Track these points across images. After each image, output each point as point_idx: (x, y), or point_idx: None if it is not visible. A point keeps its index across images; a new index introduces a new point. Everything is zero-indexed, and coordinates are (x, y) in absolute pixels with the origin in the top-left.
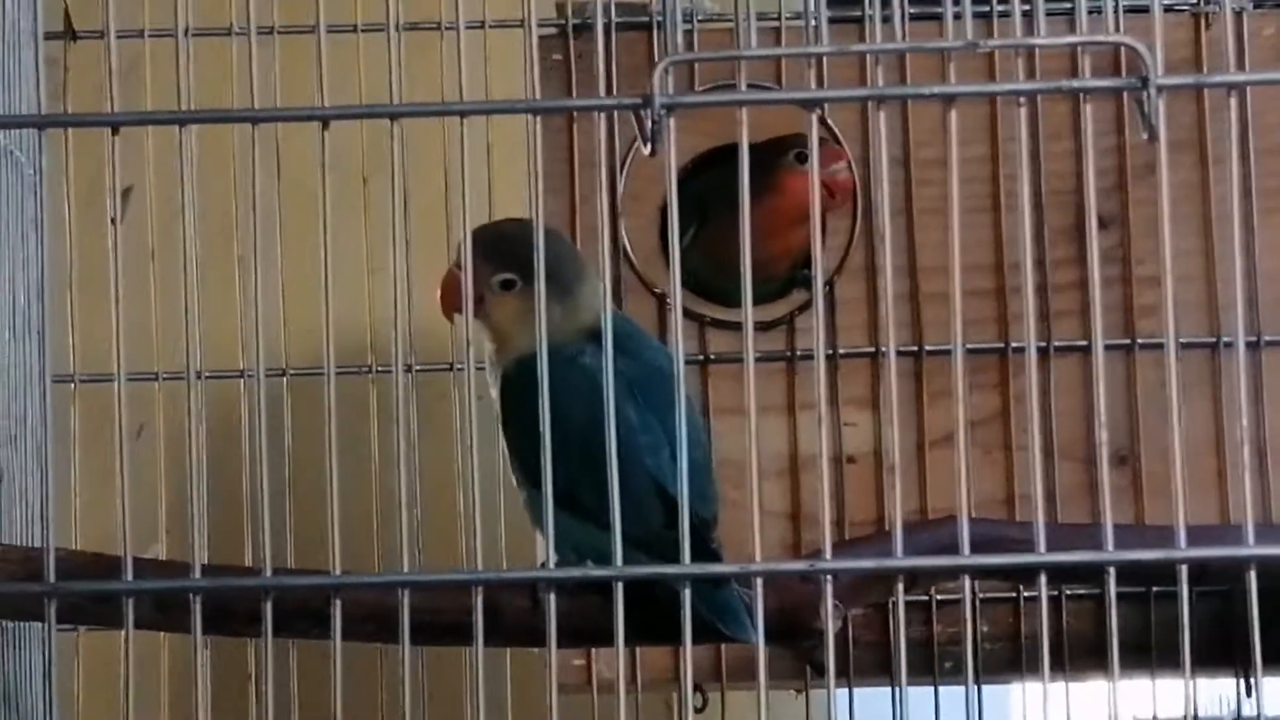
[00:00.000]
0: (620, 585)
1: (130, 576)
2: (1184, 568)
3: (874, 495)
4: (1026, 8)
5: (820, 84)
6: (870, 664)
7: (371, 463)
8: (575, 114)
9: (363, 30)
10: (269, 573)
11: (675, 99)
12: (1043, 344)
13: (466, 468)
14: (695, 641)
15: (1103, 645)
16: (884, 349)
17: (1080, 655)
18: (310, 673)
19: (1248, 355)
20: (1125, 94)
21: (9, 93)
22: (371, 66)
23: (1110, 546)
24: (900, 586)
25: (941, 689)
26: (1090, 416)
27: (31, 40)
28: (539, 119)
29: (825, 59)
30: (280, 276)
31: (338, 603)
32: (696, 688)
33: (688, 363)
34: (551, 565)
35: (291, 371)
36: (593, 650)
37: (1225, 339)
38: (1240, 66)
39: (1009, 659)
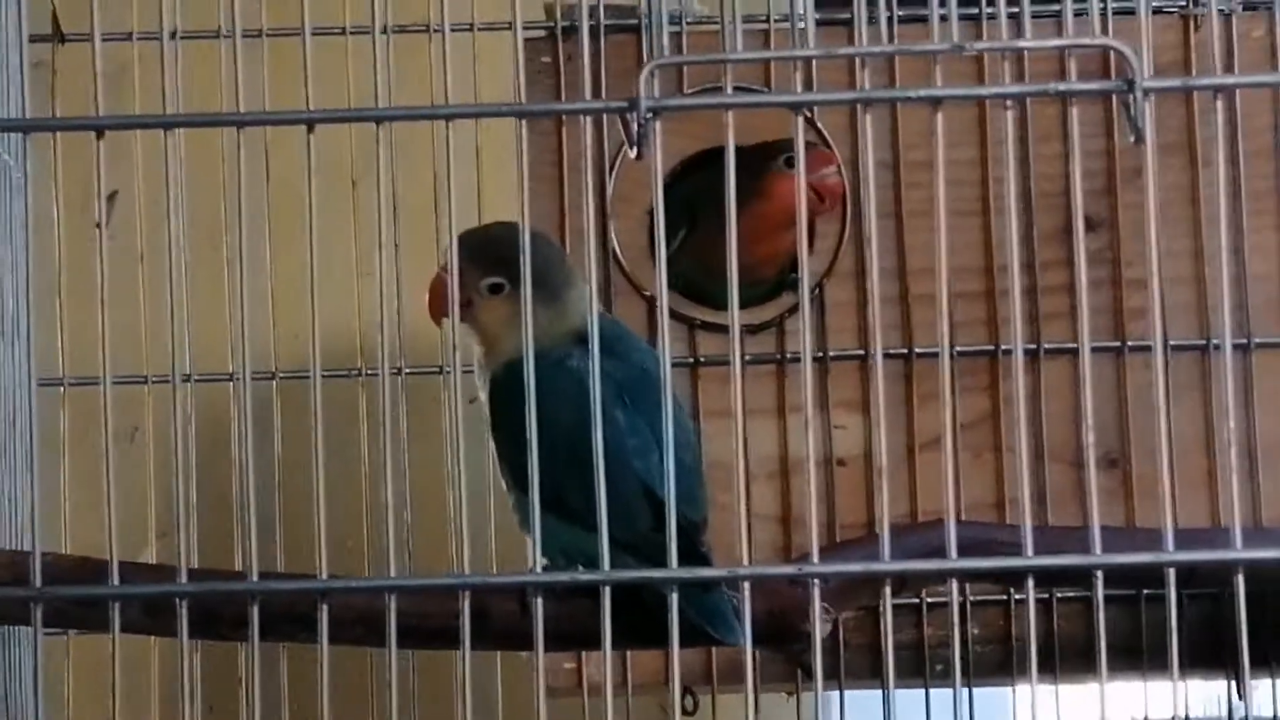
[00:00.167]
0: (608, 589)
1: (117, 581)
2: (1172, 571)
3: (864, 498)
4: (1014, 10)
5: (808, 87)
6: (860, 667)
7: (360, 466)
8: (563, 117)
9: (351, 33)
10: (255, 577)
11: (661, 102)
12: (1032, 346)
13: (455, 471)
14: (684, 645)
15: (1093, 648)
16: (873, 352)
17: (1071, 658)
18: (300, 676)
19: (1238, 357)
20: (1113, 96)
21: None
22: (360, 69)
23: (1098, 550)
24: (888, 590)
25: (932, 691)
26: (1080, 419)
27: (17, 43)
28: (526, 122)
29: (813, 61)
30: (269, 280)
31: (324, 607)
32: (687, 691)
33: (677, 365)
34: (540, 569)
35: (280, 375)
36: (583, 653)
37: (1215, 341)
38: (1229, 69)
39: (999, 662)
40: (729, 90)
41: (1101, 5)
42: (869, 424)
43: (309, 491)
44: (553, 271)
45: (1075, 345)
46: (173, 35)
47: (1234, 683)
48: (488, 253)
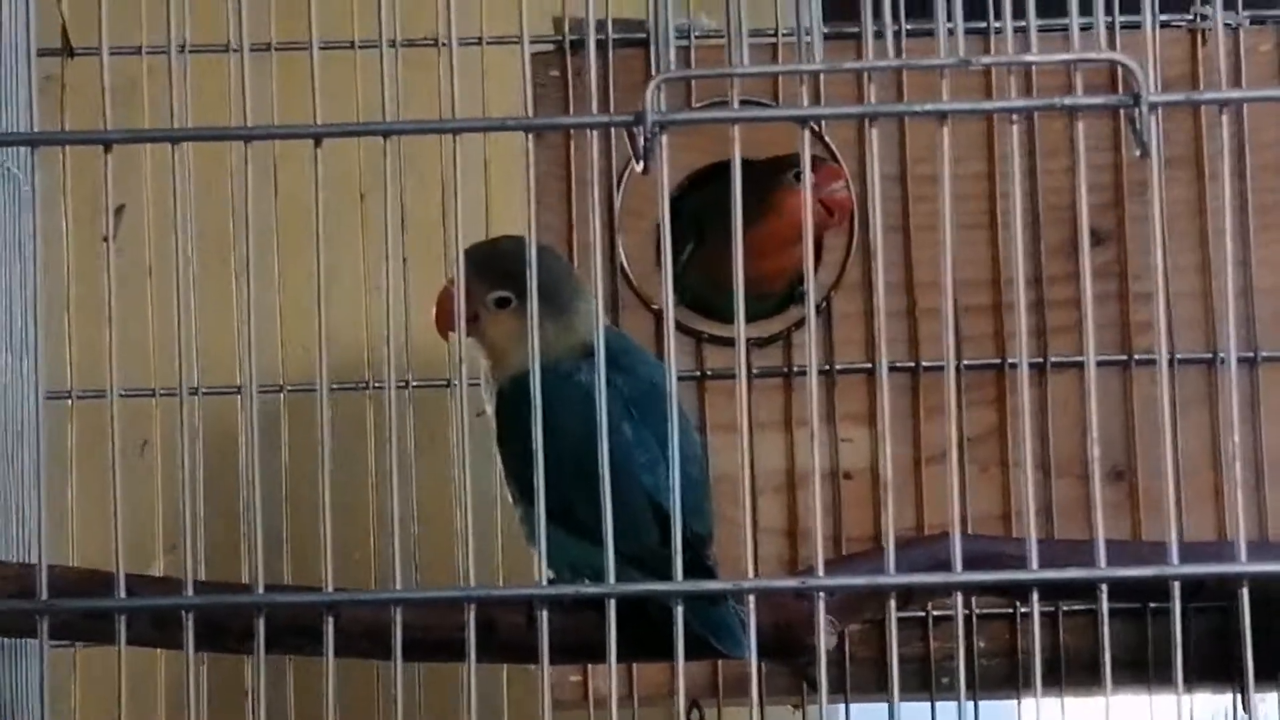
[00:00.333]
0: (613, 602)
1: (124, 594)
2: (1177, 584)
3: (870, 511)
4: (1020, 25)
5: (815, 101)
6: (866, 680)
7: (367, 478)
8: (571, 130)
9: (359, 47)
10: (262, 590)
11: (667, 116)
12: (1039, 360)
13: (461, 484)
14: (690, 658)
15: (1098, 661)
16: (880, 365)
17: (1077, 671)
18: (306, 689)
19: (1244, 371)
20: (1119, 111)
21: (5, 110)
22: (368, 83)
23: (1103, 563)
24: (894, 603)
25: (938, 705)
26: (1086, 432)
27: (26, 57)
28: (533, 136)
29: (820, 75)
30: (276, 293)
31: (330, 620)
32: (693, 704)
33: (684, 379)
34: (546, 582)
35: (288, 388)
36: (589, 666)
37: (1221, 355)
38: (1236, 83)
39: (1005, 675)
40: (736, 104)
41: (1108, 19)
42: (875, 437)
43: (316, 504)
44: (560, 285)
45: (1081, 359)
46: (181, 49)
47: (1239, 696)
48: (494, 267)
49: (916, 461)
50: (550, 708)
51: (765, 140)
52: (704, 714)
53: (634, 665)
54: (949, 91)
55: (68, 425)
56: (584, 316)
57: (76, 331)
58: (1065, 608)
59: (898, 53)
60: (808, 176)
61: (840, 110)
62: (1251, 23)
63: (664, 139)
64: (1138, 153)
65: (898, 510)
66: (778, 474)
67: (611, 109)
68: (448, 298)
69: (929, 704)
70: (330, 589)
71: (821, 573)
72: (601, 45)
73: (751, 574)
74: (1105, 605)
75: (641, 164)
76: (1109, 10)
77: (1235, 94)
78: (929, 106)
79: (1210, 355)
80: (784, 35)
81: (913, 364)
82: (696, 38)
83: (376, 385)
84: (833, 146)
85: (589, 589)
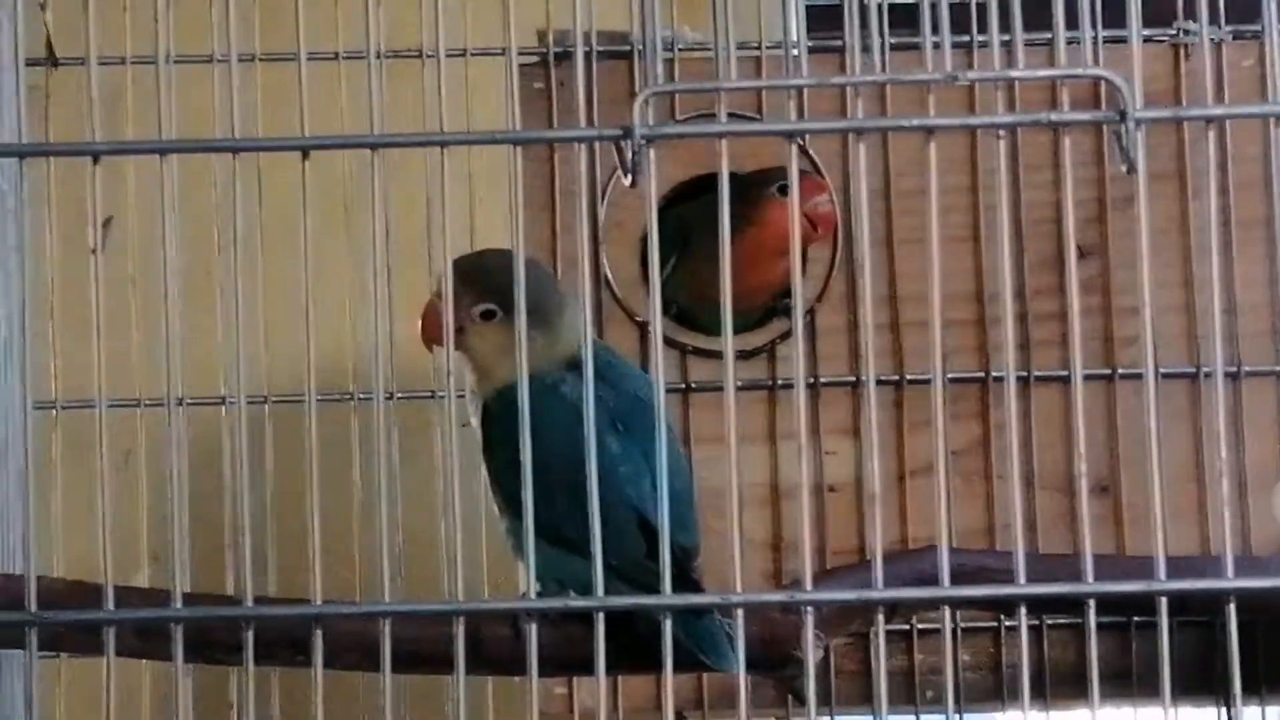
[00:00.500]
0: (601, 615)
1: (111, 605)
2: (1164, 600)
3: (855, 524)
4: (1006, 39)
5: (801, 115)
6: (852, 693)
7: (353, 490)
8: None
9: (344, 58)
10: (250, 602)
11: (655, 130)
12: (1023, 373)
13: (449, 496)
14: (677, 671)
15: (1084, 675)
16: (864, 378)
17: (1062, 685)
18: (292, 700)
19: (1228, 385)
20: (1104, 126)
21: None
22: (354, 94)
23: (1090, 578)
24: (880, 617)
25: (923, 718)
26: (1071, 446)
27: (13, 67)
28: (519, 149)
29: (804, 89)
30: (262, 304)
31: (319, 633)
32: (679, 716)
33: (669, 391)
34: (533, 595)
35: (274, 399)
36: (575, 678)
37: (1205, 369)
38: (1220, 98)
39: (990, 688)
40: (723, 118)
41: (1093, 34)
42: (860, 450)
43: (302, 515)
44: (545, 298)
45: (1066, 373)
46: (167, 59)
47: (1225, 710)
48: (480, 279)
49: (900, 475)
50: None
51: (748, 153)
52: None
53: (619, 678)
54: (935, 106)
55: (52, 436)
56: (569, 329)
57: (61, 343)
58: (1049, 621)
59: (883, 66)
60: (795, 190)
61: (828, 125)
62: (1234, 38)
63: (651, 153)
64: (1124, 168)
65: (882, 523)
66: (762, 487)
67: (596, 121)
68: (433, 310)
69: (913, 717)
70: (319, 601)
71: (809, 586)
72: (586, 57)
73: (739, 587)
74: (1093, 620)
75: (630, 177)
76: (1093, 25)
77: (1220, 110)
78: (916, 121)
79: (1193, 370)
80: (768, 48)
81: (897, 377)
82: (680, 50)
83: (362, 396)
84: (816, 160)
85: (578, 602)
